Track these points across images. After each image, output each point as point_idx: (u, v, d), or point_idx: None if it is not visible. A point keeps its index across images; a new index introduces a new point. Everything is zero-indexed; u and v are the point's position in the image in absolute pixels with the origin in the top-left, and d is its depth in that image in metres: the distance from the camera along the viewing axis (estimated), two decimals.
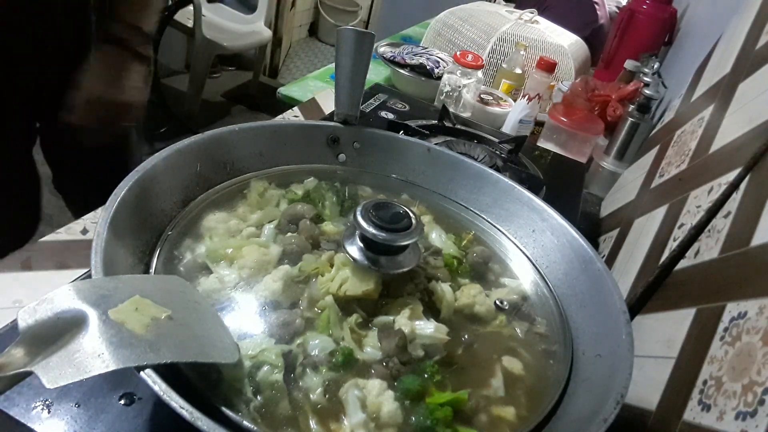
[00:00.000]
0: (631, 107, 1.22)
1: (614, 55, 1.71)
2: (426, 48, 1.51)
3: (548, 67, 1.32)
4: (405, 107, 1.14)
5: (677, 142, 0.84)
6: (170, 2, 2.68)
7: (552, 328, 0.54)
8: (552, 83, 1.40)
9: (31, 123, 1.07)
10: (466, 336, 0.50)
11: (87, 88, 0.91)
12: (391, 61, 1.44)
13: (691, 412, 0.43)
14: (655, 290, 0.61)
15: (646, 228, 0.75)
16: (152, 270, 0.48)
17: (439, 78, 1.35)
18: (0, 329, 0.53)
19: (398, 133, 0.79)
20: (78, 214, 0.74)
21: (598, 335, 0.50)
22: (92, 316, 0.35)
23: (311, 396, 0.42)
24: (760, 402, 0.36)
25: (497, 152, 0.99)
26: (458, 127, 1.05)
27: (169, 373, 0.35)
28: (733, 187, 0.57)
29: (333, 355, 0.44)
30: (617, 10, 1.99)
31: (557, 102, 1.39)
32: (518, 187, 0.64)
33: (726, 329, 0.44)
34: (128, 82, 0.92)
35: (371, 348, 0.46)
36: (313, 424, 0.40)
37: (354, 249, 0.50)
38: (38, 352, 0.32)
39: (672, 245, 0.63)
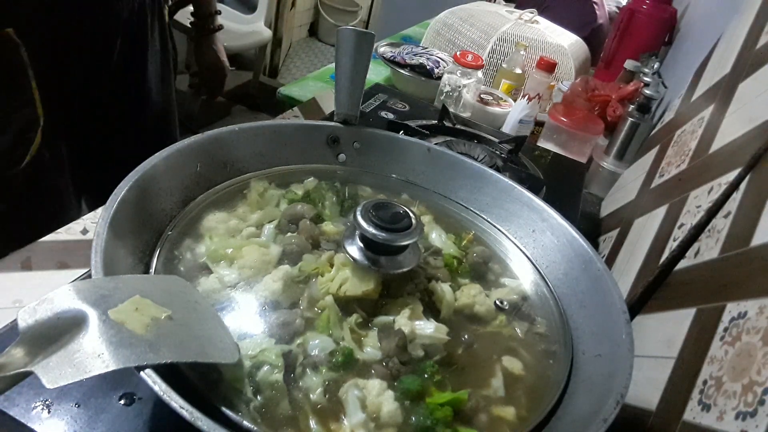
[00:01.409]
0: (631, 107, 1.22)
1: (614, 55, 1.71)
2: (426, 48, 1.51)
3: (548, 67, 1.32)
4: (405, 107, 1.14)
5: (677, 142, 0.84)
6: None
7: (552, 328, 0.54)
8: (552, 83, 1.40)
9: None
10: (466, 336, 0.50)
11: (206, 60, 1.30)
12: (391, 61, 1.44)
13: (691, 412, 0.43)
14: (655, 290, 0.61)
15: (646, 228, 0.75)
16: (152, 270, 0.48)
17: (439, 78, 1.35)
18: (0, 329, 0.53)
19: (398, 133, 0.79)
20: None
21: (598, 335, 0.50)
22: (92, 316, 0.35)
23: (311, 396, 0.42)
24: (760, 402, 0.36)
25: (497, 152, 0.99)
26: (458, 127, 1.05)
27: (169, 373, 0.35)
28: (733, 187, 0.57)
29: (333, 355, 0.44)
30: (617, 10, 1.99)
31: (557, 102, 1.39)
32: (518, 187, 0.64)
33: (726, 329, 0.44)
34: (221, 48, 1.31)
35: (371, 348, 0.46)
36: (313, 424, 0.40)
37: (354, 249, 0.50)
38: (38, 352, 0.32)
39: (672, 245, 0.63)
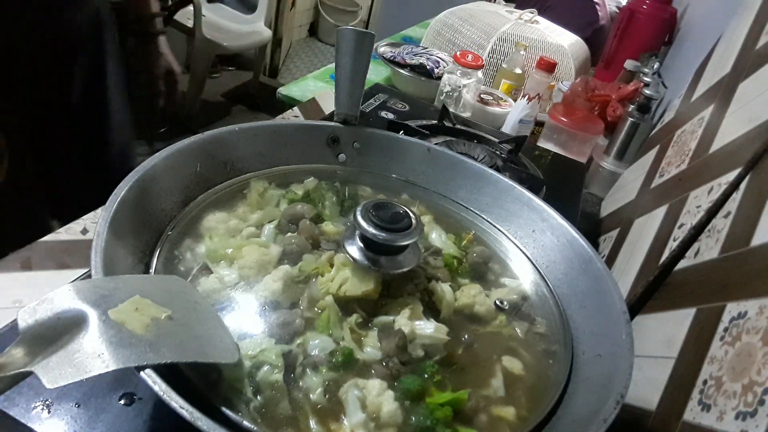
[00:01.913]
0: (631, 107, 1.22)
1: (614, 55, 1.71)
2: (426, 48, 1.51)
3: (548, 67, 1.32)
4: (405, 107, 1.14)
5: (677, 142, 0.84)
6: (170, 2, 2.68)
7: (552, 328, 0.54)
8: (552, 83, 1.40)
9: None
10: (466, 336, 0.50)
11: (156, 67, 1.18)
12: (391, 61, 1.44)
13: (691, 412, 0.43)
14: (655, 290, 0.61)
15: (646, 228, 0.75)
16: (152, 270, 0.48)
17: (439, 78, 1.35)
18: (0, 329, 0.53)
19: (398, 133, 0.79)
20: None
21: (598, 335, 0.50)
22: (92, 316, 0.35)
23: (311, 396, 0.42)
24: (760, 402, 0.36)
25: (497, 152, 0.99)
26: (458, 127, 1.05)
27: (169, 373, 0.35)
28: (733, 187, 0.57)
29: (333, 355, 0.44)
30: (617, 10, 1.99)
31: (557, 102, 1.39)
32: (518, 187, 0.64)
33: (726, 329, 0.44)
34: (168, 51, 1.20)
35: (371, 348, 0.46)
36: (313, 424, 0.40)
37: (354, 249, 0.50)
38: (38, 352, 0.32)
39: (672, 245, 0.63)
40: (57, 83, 1.00)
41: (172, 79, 1.25)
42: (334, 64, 0.65)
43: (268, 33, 3.20)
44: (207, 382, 0.40)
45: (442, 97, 1.29)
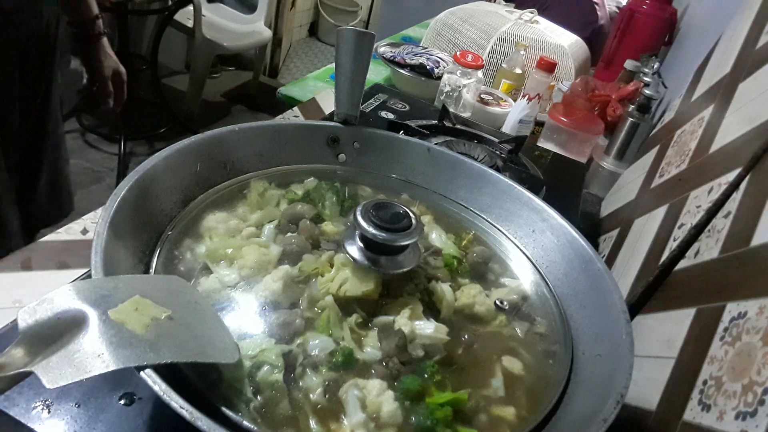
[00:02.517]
0: (631, 107, 1.22)
1: (614, 55, 1.71)
2: (426, 48, 1.51)
3: (548, 67, 1.32)
4: (405, 107, 1.14)
5: (677, 142, 0.84)
6: (170, 2, 2.68)
7: (552, 328, 0.54)
8: (552, 83, 1.40)
9: None
10: (466, 336, 0.50)
11: (103, 69, 1.19)
12: (391, 61, 1.44)
13: (691, 412, 0.43)
14: (655, 290, 0.61)
15: (646, 228, 0.75)
16: (152, 270, 0.48)
17: (439, 78, 1.35)
18: (0, 329, 0.53)
19: (398, 133, 0.79)
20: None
21: (598, 335, 0.50)
22: (92, 316, 0.35)
23: (311, 396, 0.42)
24: (760, 402, 0.36)
25: (497, 152, 0.99)
26: (458, 127, 1.05)
27: (169, 373, 0.35)
28: (733, 187, 0.57)
29: (333, 355, 0.44)
30: (617, 10, 1.99)
31: (557, 102, 1.39)
32: (518, 187, 0.64)
33: (726, 329, 0.44)
34: (111, 52, 1.21)
35: (371, 348, 0.46)
36: (313, 424, 0.40)
37: (354, 249, 0.50)
38: (38, 352, 0.32)
39: (672, 245, 0.63)
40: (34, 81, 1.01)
41: (120, 80, 1.23)
42: (334, 64, 0.65)
43: (268, 33, 3.20)
44: (207, 382, 0.40)
45: (442, 97, 1.29)
